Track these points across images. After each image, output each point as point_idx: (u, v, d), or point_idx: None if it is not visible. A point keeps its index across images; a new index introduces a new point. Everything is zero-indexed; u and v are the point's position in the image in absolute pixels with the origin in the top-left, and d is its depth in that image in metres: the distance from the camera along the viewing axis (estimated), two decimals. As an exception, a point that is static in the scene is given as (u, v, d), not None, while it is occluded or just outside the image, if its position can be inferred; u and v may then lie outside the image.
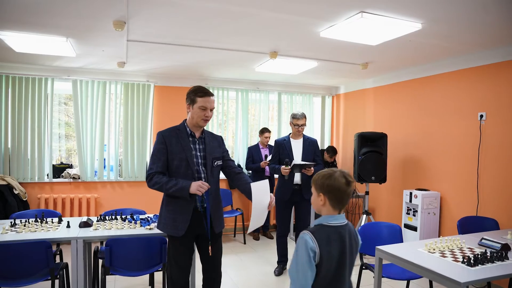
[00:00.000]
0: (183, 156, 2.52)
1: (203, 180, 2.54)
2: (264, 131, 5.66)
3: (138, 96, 5.51)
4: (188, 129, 2.60)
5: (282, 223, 4.18)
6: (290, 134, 4.23)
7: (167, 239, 2.67)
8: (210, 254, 2.60)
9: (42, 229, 3.01)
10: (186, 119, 2.64)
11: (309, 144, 4.15)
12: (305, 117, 4.11)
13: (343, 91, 6.50)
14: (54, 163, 5.44)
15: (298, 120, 4.06)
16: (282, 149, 4.11)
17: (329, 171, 1.75)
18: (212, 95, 2.57)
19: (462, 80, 4.26)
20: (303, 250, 1.63)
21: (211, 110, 2.56)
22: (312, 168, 3.93)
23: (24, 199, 4.86)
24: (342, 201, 1.72)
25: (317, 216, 1.79)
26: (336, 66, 4.78)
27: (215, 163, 2.63)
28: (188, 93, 2.57)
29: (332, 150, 5.93)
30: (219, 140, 2.75)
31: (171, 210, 2.55)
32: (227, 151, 2.81)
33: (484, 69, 4.01)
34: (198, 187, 2.40)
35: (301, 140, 4.16)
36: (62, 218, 3.38)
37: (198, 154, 2.59)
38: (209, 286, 2.74)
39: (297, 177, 4.02)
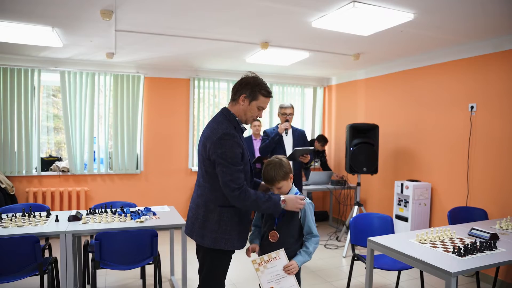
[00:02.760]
0: (248, 159, 2.19)
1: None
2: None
3: (128, 87, 5.43)
4: (242, 126, 2.21)
5: None
6: (278, 124, 4.21)
7: (211, 255, 2.15)
8: None
9: (30, 224, 2.96)
10: (231, 114, 2.18)
11: (298, 135, 4.15)
12: (292, 107, 4.10)
13: (334, 82, 6.48)
14: (43, 156, 5.35)
15: (285, 109, 4.06)
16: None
17: (275, 159, 2.18)
18: None
19: (453, 71, 4.26)
20: (313, 210, 2.19)
21: None
22: (308, 155, 3.89)
23: (12, 193, 4.77)
24: None
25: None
26: (327, 57, 4.75)
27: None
28: (247, 83, 2.15)
29: (323, 139, 5.91)
30: None
31: (236, 223, 2.14)
32: None
33: (474, 60, 4.02)
34: (297, 203, 2.07)
35: (290, 131, 4.14)
36: (51, 212, 3.33)
37: None
38: None
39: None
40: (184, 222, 3.14)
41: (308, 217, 2.13)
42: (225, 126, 2.09)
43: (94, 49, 4.51)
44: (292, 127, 4.18)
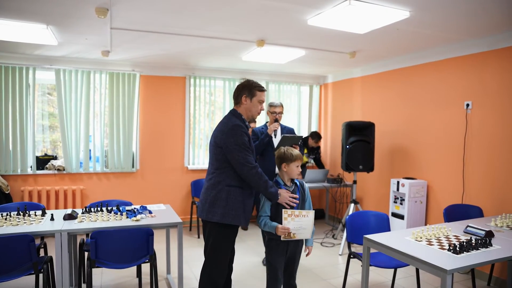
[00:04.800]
0: (252, 148, 2.60)
1: None
2: None
3: (124, 85, 5.40)
4: (247, 123, 2.64)
5: None
6: (267, 122, 4.19)
7: (217, 230, 2.52)
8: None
9: (25, 223, 2.94)
10: (238, 113, 2.62)
11: (287, 133, 4.12)
12: (282, 106, 4.06)
13: (331, 80, 6.48)
14: (39, 154, 5.32)
15: (275, 108, 4.02)
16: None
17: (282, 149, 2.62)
18: None
19: (449, 69, 4.27)
20: None
21: None
22: (297, 147, 3.87)
23: (6, 192, 4.75)
24: None
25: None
26: (324, 55, 4.75)
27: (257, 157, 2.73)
28: (244, 86, 2.61)
29: (316, 135, 5.88)
30: None
31: (241, 201, 2.53)
32: None
33: (470, 58, 4.03)
34: (286, 199, 2.47)
35: (278, 129, 4.12)
36: (46, 211, 3.32)
37: None
38: (229, 278, 2.77)
39: None
40: (180, 221, 3.17)
41: (309, 195, 2.66)
42: (234, 120, 2.54)
43: (89, 47, 4.48)
44: (281, 125, 4.13)
